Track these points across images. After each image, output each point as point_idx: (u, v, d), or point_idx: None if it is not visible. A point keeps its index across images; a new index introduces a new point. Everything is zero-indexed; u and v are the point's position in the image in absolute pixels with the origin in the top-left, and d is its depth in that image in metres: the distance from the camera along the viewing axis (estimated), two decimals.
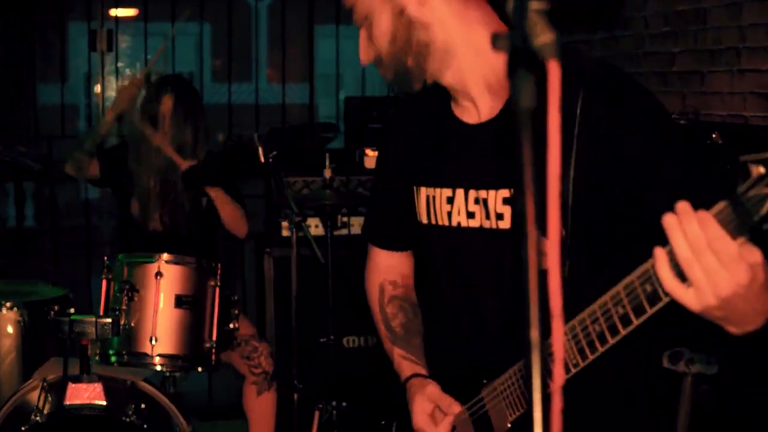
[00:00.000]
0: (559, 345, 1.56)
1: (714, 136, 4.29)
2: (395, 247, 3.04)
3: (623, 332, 2.19)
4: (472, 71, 2.50)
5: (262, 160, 5.04)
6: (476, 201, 2.59)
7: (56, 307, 4.49)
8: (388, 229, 3.02)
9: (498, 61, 2.46)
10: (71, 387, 4.52)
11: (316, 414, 5.39)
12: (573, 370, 2.32)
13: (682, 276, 1.98)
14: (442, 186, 2.67)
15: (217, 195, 5.57)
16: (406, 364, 2.88)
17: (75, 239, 8.30)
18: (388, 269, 3.04)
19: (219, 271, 4.89)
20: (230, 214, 5.62)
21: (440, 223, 2.68)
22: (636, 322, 2.15)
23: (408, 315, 2.97)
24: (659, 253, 2.00)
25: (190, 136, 5.57)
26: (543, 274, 1.63)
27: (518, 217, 1.61)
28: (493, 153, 2.55)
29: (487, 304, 2.63)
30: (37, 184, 10.39)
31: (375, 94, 8.40)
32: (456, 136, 2.65)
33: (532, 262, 1.65)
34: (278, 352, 5.77)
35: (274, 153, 5.00)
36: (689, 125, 4.99)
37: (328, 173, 5.45)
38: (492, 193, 2.55)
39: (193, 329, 4.80)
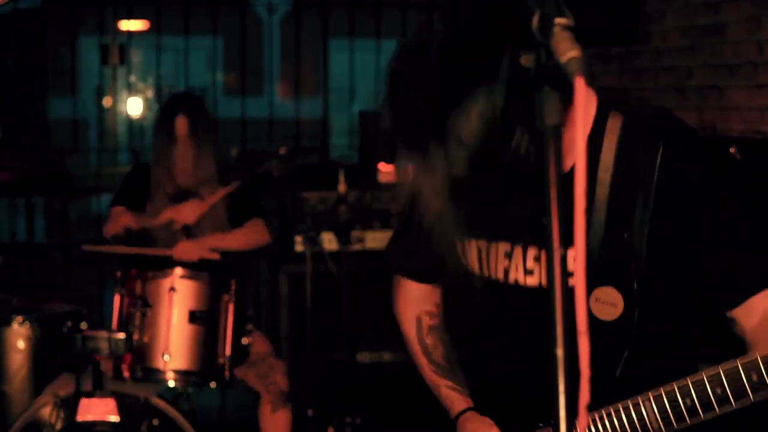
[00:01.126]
0: (586, 363, 1.54)
1: (731, 150, 4.26)
2: (428, 280, 2.93)
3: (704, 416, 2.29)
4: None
5: (278, 176, 5.03)
6: (536, 258, 2.56)
7: (69, 323, 4.48)
8: (421, 262, 2.90)
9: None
10: (84, 403, 4.50)
11: (330, 430, 5.37)
12: None
13: None
14: (498, 240, 2.62)
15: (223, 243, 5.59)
16: (456, 396, 2.78)
17: (86, 254, 8.26)
18: (423, 299, 2.93)
19: (233, 287, 4.87)
20: (247, 242, 5.58)
21: (495, 276, 2.62)
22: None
23: (447, 345, 2.90)
24: None
25: (207, 157, 5.49)
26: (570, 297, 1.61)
27: (544, 237, 1.58)
28: (563, 209, 2.51)
29: (543, 358, 2.60)
30: (47, 198, 10.38)
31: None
32: (517, 190, 2.56)
33: (557, 284, 1.62)
34: (292, 367, 5.72)
35: (289, 169, 4.99)
36: (707, 140, 4.96)
37: (342, 188, 5.42)
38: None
39: (206, 345, 4.77)
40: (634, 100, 2.32)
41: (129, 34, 8.34)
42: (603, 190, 2.43)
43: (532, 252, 2.56)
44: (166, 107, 5.57)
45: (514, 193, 2.56)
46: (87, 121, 10.04)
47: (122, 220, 5.44)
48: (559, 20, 1.54)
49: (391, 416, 6.18)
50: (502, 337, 2.67)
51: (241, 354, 4.97)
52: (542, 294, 2.49)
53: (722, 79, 5.55)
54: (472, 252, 2.67)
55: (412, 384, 5.82)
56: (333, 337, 5.58)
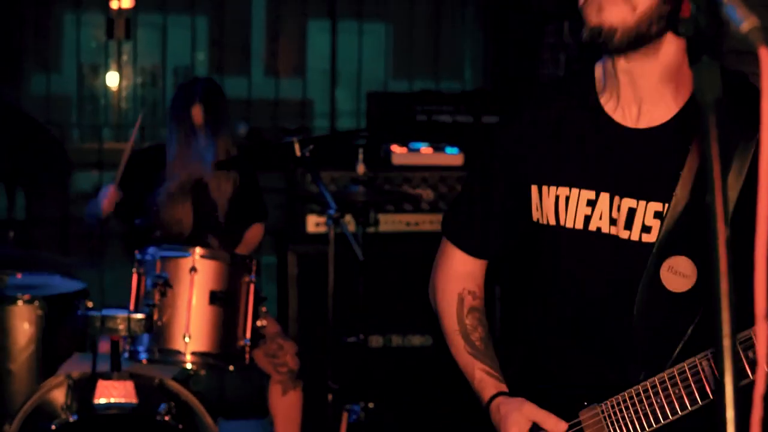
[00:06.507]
0: (763, 348, 1.47)
1: None
2: (479, 254, 2.86)
3: None
4: (670, 67, 2.42)
5: (298, 154, 4.92)
6: (619, 209, 2.49)
7: (89, 303, 4.35)
8: (478, 233, 2.83)
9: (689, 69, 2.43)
10: (101, 384, 4.38)
11: (344, 414, 5.28)
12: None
13: None
14: (581, 187, 2.55)
15: (255, 234, 5.59)
16: (491, 381, 2.72)
17: (69, 231, 8.12)
18: (468, 277, 2.87)
19: (254, 267, 4.76)
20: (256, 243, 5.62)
21: (572, 225, 2.57)
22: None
23: (485, 329, 2.83)
24: None
25: (222, 145, 5.46)
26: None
27: (707, 214, 1.50)
28: (654, 162, 2.47)
29: (607, 320, 2.53)
30: (27, 173, 10.22)
31: (374, 89, 8.30)
32: (608, 138, 2.53)
33: (723, 261, 1.53)
34: (301, 350, 5.62)
35: (311, 147, 4.88)
36: None
37: (361, 169, 5.32)
38: (642, 203, 2.47)
39: (226, 327, 4.67)
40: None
41: (136, 8, 8.21)
42: (694, 156, 2.37)
43: (617, 202, 2.50)
44: (181, 96, 5.50)
45: (603, 140, 2.54)
46: (70, 97, 9.92)
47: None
48: None
49: (404, 401, 6.12)
50: (575, 288, 2.61)
51: (256, 336, 4.86)
52: (624, 246, 2.49)
53: None
54: (549, 200, 2.61)
55: (422, 368, 5.75)
56: (344, 320, 5.47)
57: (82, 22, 8.44)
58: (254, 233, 5.73)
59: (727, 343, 1.50)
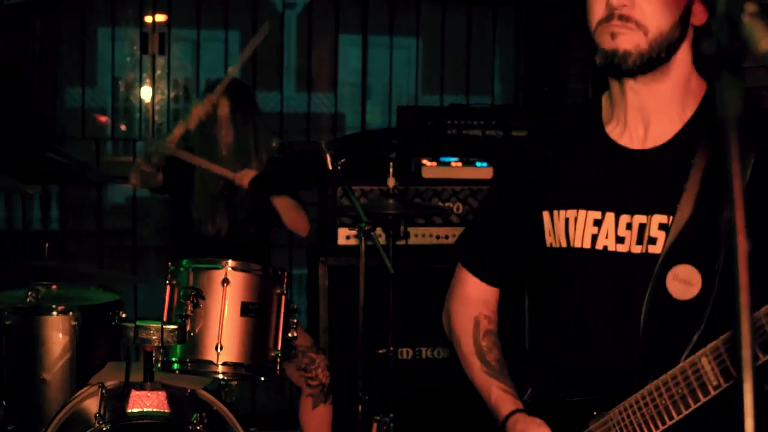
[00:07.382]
0: None
1: None
2: (493, 281, 2.99)
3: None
4: (677, 88, 2.50)
5: (330, 167, 4.96)
6: (628, 226, 2.58)
7: (123, 314, 4.41)
8: (491, 261, 2.97)
9: (695, 87, 2.55)
10: (134, 394, 4.44)
11: (374, 426, 5.30)
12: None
13: None
14: (588, 208, 2.65)
15: (282, 203, 5.57)
16: (508, 398, 2.80)
17: (105, 242, 8.20)
18: (483, 303, 2.98)
19: (285, 279, 4.81)
20: (294, 218, 5.61)
21: (580, 245, 2.66)
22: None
23: (500, 351, 2.93)
24: None
25: (251, 139, 5.54)
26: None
27: (728, 229, 1.54)
28: (658, 179, 2.56)
29: (617, 331, 2.61)
30: (61, 186, 10.33)
31: (402, 103, 8.34)
32: (611, 161, 2.65)
33: (743, 274, 1.57)
34: (331, 361, 5.67)
35: (343, 160, 4.91)
36: None
37: (391, 182, 5.35)
38: (648, 218, 2.56)
39: (258, 338, 4.70)
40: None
41: (161, 24, 8.30)
42: (698, 169, 2.44)
43: (624, 220, 2.58)
44: (208, 90, 5.58)
45: (609, 164, 2.65)
46: (105, 110, 10.02)
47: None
48: (750, 6, 1.51)
49: (433, 412, 6.15)
50: (584, 306, 2.69)
51: (287, 348, 4.91)
52: (631, 261, 2.57)
53: None
54: (560, 223, 2.71)
55: (451, 380, 5.79)
56: (373, 332, 5.51)
57: (117, 37, 8.51)
58: (298, 205, 5.79)
59: (746, 353, 1.53)
